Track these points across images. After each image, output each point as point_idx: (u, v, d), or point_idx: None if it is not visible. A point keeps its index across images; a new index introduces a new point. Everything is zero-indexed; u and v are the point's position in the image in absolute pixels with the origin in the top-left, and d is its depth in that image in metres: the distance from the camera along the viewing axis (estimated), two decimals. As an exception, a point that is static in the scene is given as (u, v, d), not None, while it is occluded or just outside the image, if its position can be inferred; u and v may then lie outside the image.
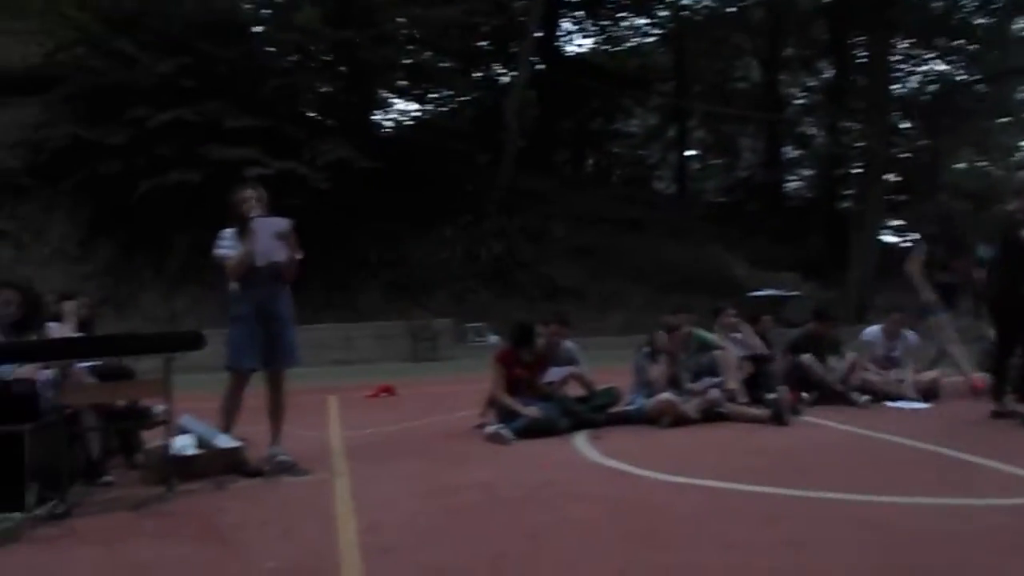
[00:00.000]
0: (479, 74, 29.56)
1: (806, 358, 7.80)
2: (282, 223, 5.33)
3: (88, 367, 5.29)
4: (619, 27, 33.97)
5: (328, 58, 21.91)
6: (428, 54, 22.98)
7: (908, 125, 31.02)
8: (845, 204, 30.30)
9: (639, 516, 4.11)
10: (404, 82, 25.29)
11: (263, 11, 21.92)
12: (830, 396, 7.68)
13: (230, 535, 3.96)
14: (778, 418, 6.66)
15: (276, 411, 5.59)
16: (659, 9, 32.94)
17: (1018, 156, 34.16)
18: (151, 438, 5.53)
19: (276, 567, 3.43)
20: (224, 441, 5.37)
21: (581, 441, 6.18)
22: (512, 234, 21.68)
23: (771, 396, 6.89)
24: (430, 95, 28.89)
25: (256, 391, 5.58)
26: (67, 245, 18.26)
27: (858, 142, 26.55)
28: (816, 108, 33.11)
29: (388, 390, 9.96)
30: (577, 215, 23.87)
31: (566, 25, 32.81)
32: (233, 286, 5.46)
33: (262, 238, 5.27)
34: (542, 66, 28.54)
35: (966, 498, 4.25)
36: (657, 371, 6.99)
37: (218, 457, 5.25)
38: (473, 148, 25.08)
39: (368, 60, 20.48)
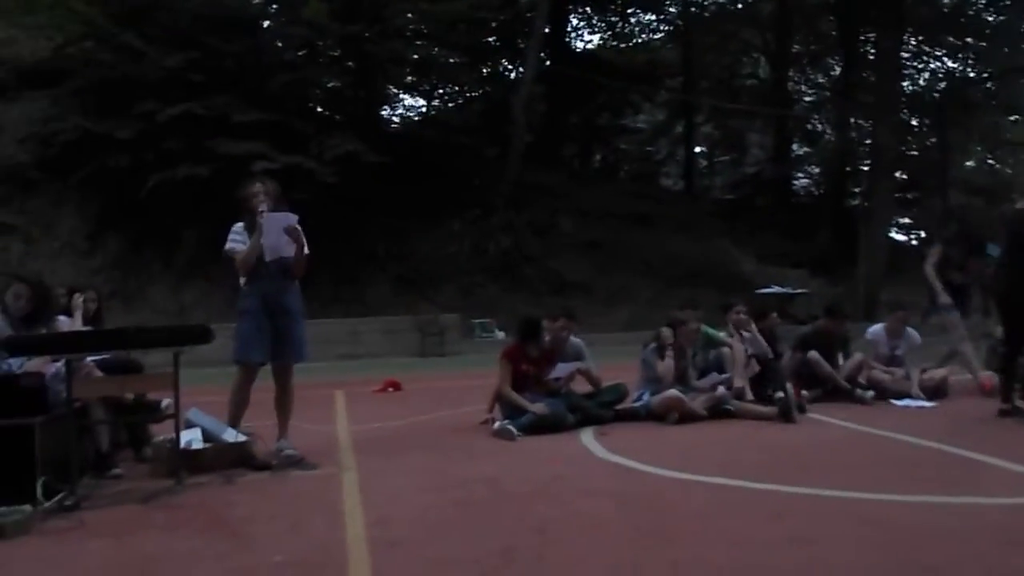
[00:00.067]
0: (487, 69, 29.52)
1: (812, 355, 7.79)
2: (291, 218, 5.34)
3: (97, 360, 5.32)
4: (627, 23, 33.93)
5: (336, 53, 21.93)
6: (436, 49, 22.95)
7: (917, 122, 30.94)
8: (854, 201, 30.23)
9: (646, 512, 4.12)
10: (412, 77, 25.32)
11: (271, 6, 21.93)
12: (837, 393, 7.66)
13: (239, 528, 3.97)
14: (785, 415, 6.65)
15: (284, 405, 5.62)
16: (668, 4, 32.89)
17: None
18: (160, 431, 5.56)
19: (284, 561, 3.44)
20: (232, 435, 5.40)
21: (588, 437, 6.19)
22: (520, 229, 21.68)
23: (779, 395, 6.87)
24: (438, 90, 28.93)
25: (264, 385, 5.60)
26: (76, 239, 18.31)
27: (867, 138, 26.48)
28: (824, 104, 33.02)
29: (395, 385, 9.97)
30: (585, 210, 23.85)
31: (574, 20, 32.82)
32: (242, 280, 5.48)
33: (270, 233, 5.28)
34: (550, 61, 28.51)
35: (971, 496, 4.25)
36: (664, 367, 6.99)
37: (226, 451, 5.28)
38: (481, 143, 25.06)
39: (376, 55, 20.48)
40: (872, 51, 27.11)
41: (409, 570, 3.34)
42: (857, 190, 30.14)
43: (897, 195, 27.86)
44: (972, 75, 30.33)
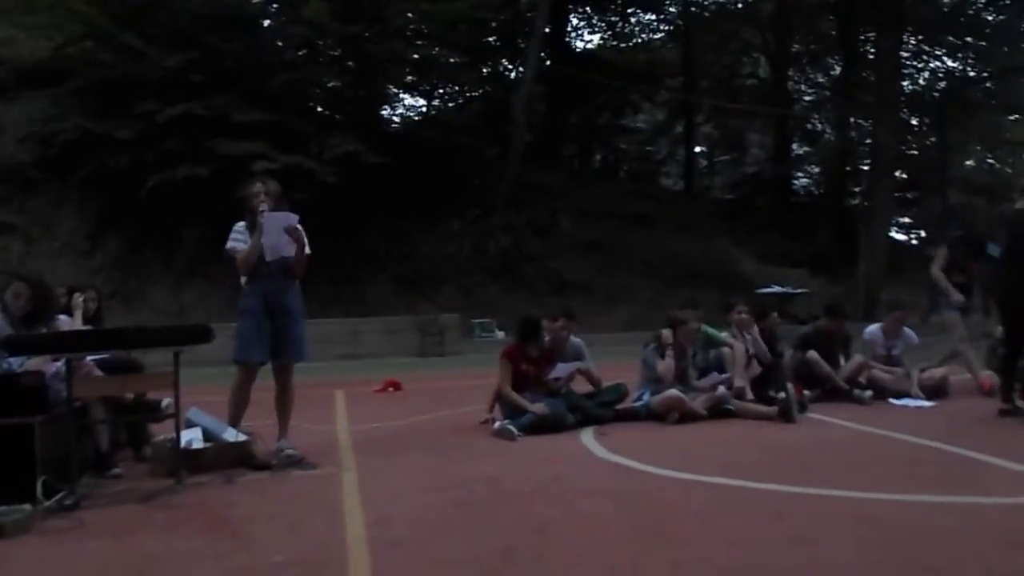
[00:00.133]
0: (487, 69, 29.52)
1: (811, 355, 7.78)
2: (291, 218, 5.35)
3: (97, 360, 5.32)
4: (627, 22, 33.94)
5: (336, 52, 21.93)
6: (436, 49, 22.94)
7: (917, 121, 30.95)
8: (854, 200, 30.23)
9: (646, 512, 4.12)
10: (412, 77, 25.31)
11: (271, 5, 21.92)
12: (835, 393, 7.66)
13: (239, 528, 3.97)
14: (785, 415, 6.65)
15: (284, 405, 5.62)
16: (668, 4, 32.90)
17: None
18: (160, 431, 5.56)
19: (284, 560, 3.44)
20: (232, 435, 5.40)
21: (588, 437, 6.19)
22: (520, 229, 21.68)
23: (780, 395, 6.87)
24: (438, 90, 28.92)
25: (264, 385, 5.60)
26: (76, 239, 18.31)
27: (867, 138, 26.48)
28: (824, 104, 33.02)
29: (395, 385, 9.97)
30: (585, 210, 23.86)
31: (574, 20, 32.82)
32: (243, 279, 5.49)
33: (271, 233, 5.29)
34: (550, 61, 28.51)
35: (972, 495, 4.25)
36: (664, 367, 6.98)
37: (226, 450, 5.28)
38: (481, 143, 25.06)
39: (376, 55, 20.47)
40: (872, 51, 27.11)
41: (409, 570, 3.34)
42: (857, 190, 30.15)
43: (897, 194, 27.88)
44: (972, 74, 30.34)
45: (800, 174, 35.40)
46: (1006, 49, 27.80)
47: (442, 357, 15.69)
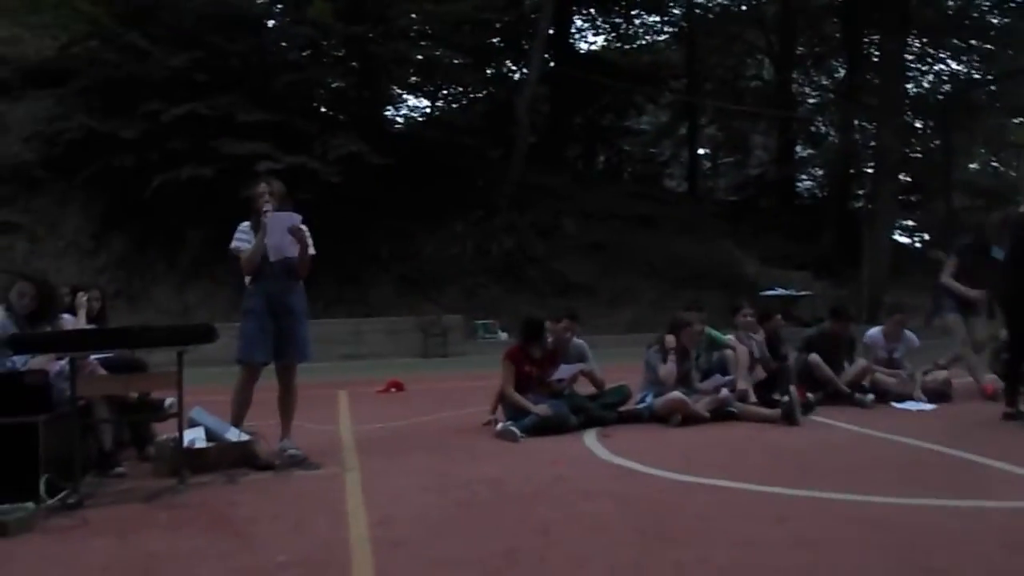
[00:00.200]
0: (491, 70, 29.52)
1: (813, 357, 7.78)
2: (294, 218, 5.36)
3: (101, 359, 5.33)
4: (631, 24, 33.91)
5: (340, 53, 21.92)
6: (440, 50, 22.93)
7: (921, 124, 30.91)
8: (857, 203, 30.20)
9: (649, 513, 4.12)
10: (416, 78, 25.30)
11: (276, 5, 21.93)
12: (838, 397, 7.65)
13: (242, 528, 3.98)
14: (789, 418, 6.64)
15: (287, 405, 5.63)
16: (671, 6, 32.88)
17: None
18: (163, 430, 5.57)
19: (287, 560, 3.44)
20: (235, 434, 5.41)
21: (591, 439, 6.19)
22: (523, 230, 21.67)
23: (783, 398, 6.86)
24: (442, 91, 28.92)
25: (267, 385, 5.61)
26: (81, 238, 18.33)
27: (871, 141, 26.44)
28: (828, 106, 32.98)
29: (397, 385, 9.98)
30: (588, 211, 23.84)
31: (578, 22, 32.80)
32: (247, 279, 5.49)
33: (274, 233, 5.30)
34: (554, 63, 28.50)
35: (975, 499, 4.24)
36: (665, 371, 6.96)
37: (229, 450, 5.29)
38: (484, 144, 25.04)
39: (380, 55, 20.46)
40: (876, 53, 27.09)
41: (412, 570, 3.34)
42: (861, 192, 30.09)
43: (901, 197, 27.81)
44: (976, 77, 30.30)
45: (804, 176, 35.37)
46: (1011, 52, 27.78)
47: (445, 358, 15.71)
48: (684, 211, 27.79)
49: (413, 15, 20.97)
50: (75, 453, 4.49)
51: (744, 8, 32.28)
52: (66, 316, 5.74)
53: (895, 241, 27.12)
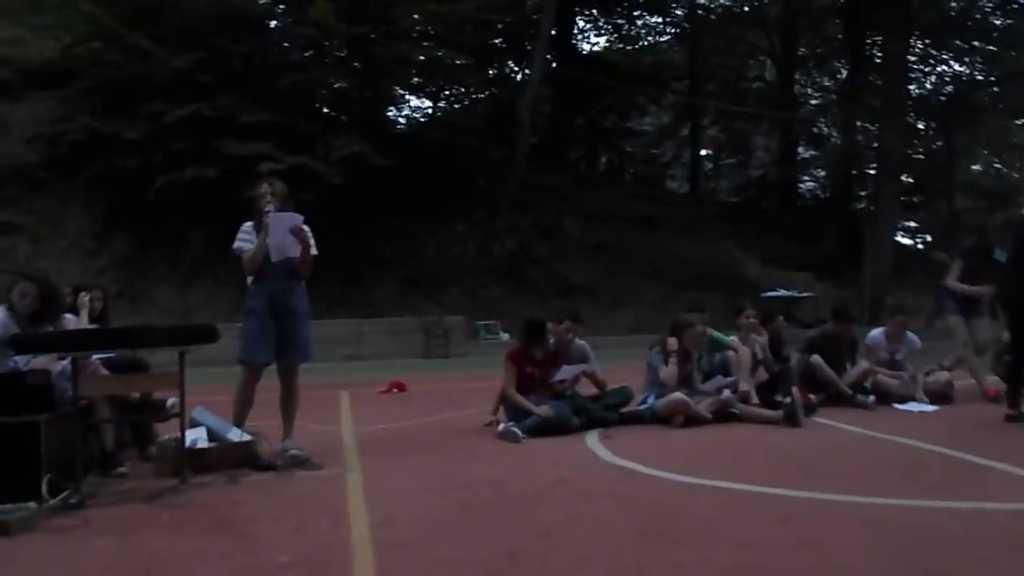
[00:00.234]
0: (493, 71, 29.52)
1: (815, 359, 7.77)
2: (296, 219, 5.36)
3: (103, 359, 5.33)
4: (634, 25, 33.92)
5: (342, 54, 21.92)
6: (442, 51, 22.94)
7: (923, 125, 30.88)
8: (859, 204, 30.18)
9: (651, 514, 4.11)
10: (418, 78, 25.32)
11: (278, 6, 21.95)
12: (839, 398, 7.64)
13: (243, 528, 3.98)
14: (791, 419, 6.64)
15: (289, 405, 5.63)
16: (674, 7, 32.87)
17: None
18: (165, 430, 5.57)
19: (289, 561, 3.44)
20: (237, 434, 5.41)
21: (593, 440, 6.19)
22: (525, 231, 21.66)
23: (786, 399, 6.85)
24: (444, 91, 28.92)
25: (269, 385, 5.61)
26: (83, 239, 18.35)
27: (873, 142, 26.42)
28: (831, 107, 32.95)
29: (399, 386, 9.98)
30: (590, 212, 23.83)
31: (580, 23, 32.81)
32: (249, 280, 5.50)
33: (276, 233, 5.30)
34: (556, 64, 28.50)
35: (977, 501, 4.23)
36: (666, 374, 6.95)
37: (231, 450, 5.29)
38: (486, 144, 25.00)
39: (382, 56, 20.47)
40: (879, 54, 27.07)
41: (413, 571, 3.34)
42: (863, 193, 30.07)
43: (903, 199, 27.78)
44: (979, 78, 30.26)
45: (806, 178, 35.33)
46: (1013, 53, 27.72)
47: (447, 359, 15.71)
48: (686, 212, 27.78)
49: (415, 16, 20.99)
50: (77, 453, 4.49)
51: (746, 9, 32.28)
52: (68, 316, 5.75)
53: (897, 242, 27.08)
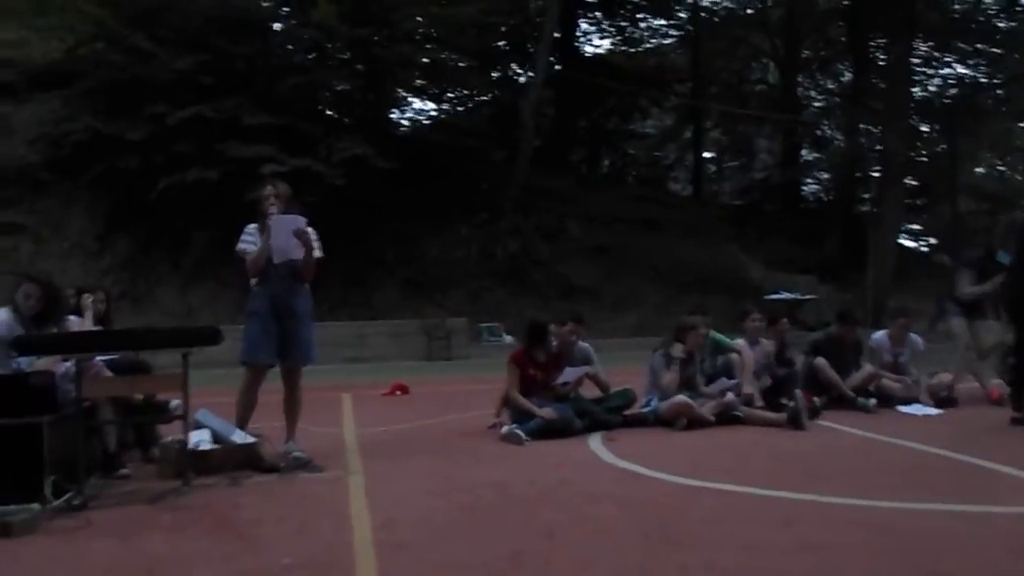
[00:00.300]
0: (496, 73, 29.51)
1: (819, 361, 7.75)
2: (299, 221, 5.36)
3: (106, 361, 5.33)
4: (637, 27, 33.90)
5: (345, 56, 21.92)
6: (445, 53, 22.95)
7: (927, 128, 30.84)
8: (863, 207, 30.13)
9: (654, 517, 4.11)
10: (421, 80, 25.32)
11: (281, 8, 21.96)
12: (842, 401, 7.62)
13: (246, 530, 3.98)
14: (795, 422, 6.63)
15: (291, 408, 5.63)
16: (677, 9, 32.86)
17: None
18: (168, 432, 5.57)
19: (292, 563, 3.44)
20: (240, 436, 5.41)
21: (595, 442, 6.18)
22: (528, 233, 21.65)
23: (790, 403, 6.83)
24: (447, 94, 28.91)
25: (272, 387, 5.61)
26: (85, 240, 18.37)
27: (876, 145, 26.39)
28: (834, 110, 32.92)
29: (402, 388, 9.98)
30: (593, 215, 23.82)
31: (584, 25, 32.82)
32: (252, 281, 5.50)
33: (279, 235, 5.30)
34: (559, 66, 28.51)
35: (982, 503, 4.22)
36: (668, 379, 6.92)
37: (234, 452, 5.28)
38: (489, 147, 25.02)
39: (385, 58, 20.47)
40: (882, 57, 27.02)
41: (415, 574, 3.34)
42: (866, 196, 30.03)
43: (906, 201, 27.75)
44: (983, 81, 30.19)
45: (809, 180, 35.28)
46: (1017, 56, 27.65)
47: (449, 361, 15.71)
48: (689, 215, 27.76)
49: (418, 18, 21.00)
50: (80, 454, 4.50)
51: (749, 12, 32.22)
52: (72, 318, 5.75)
53: (900, 245, 27.04)
